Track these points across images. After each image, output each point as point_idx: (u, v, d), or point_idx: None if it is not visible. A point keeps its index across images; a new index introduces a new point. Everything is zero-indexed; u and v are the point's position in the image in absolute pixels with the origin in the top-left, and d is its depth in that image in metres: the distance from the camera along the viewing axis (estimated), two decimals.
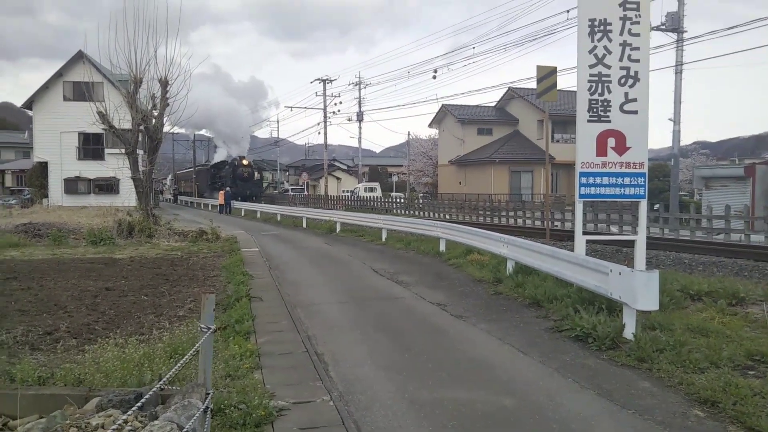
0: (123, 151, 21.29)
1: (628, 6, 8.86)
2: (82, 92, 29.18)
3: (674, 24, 27.58)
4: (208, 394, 3.32)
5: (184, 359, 3.25)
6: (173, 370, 3.11)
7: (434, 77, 43.48)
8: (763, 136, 71.90)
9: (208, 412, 3.39)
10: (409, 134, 64.00)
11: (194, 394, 3.21)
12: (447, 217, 30.22)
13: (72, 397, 4.16)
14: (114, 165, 27.21)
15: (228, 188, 45.82)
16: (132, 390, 3.91)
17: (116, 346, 6.05)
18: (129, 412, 2.61)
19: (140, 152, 23.22)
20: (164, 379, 2.97)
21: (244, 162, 51.63)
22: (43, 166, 39.61)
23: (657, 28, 26.92)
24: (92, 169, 38.57)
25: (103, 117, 20.54)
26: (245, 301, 9.16)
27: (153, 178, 24.56)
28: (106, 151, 37.54)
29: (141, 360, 5.66)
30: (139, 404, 2.69)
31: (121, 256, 15.11)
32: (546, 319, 8.28)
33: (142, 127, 21.04)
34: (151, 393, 2.89)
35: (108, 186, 38.85)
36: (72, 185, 39.04)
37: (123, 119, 21.12)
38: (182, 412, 2.95)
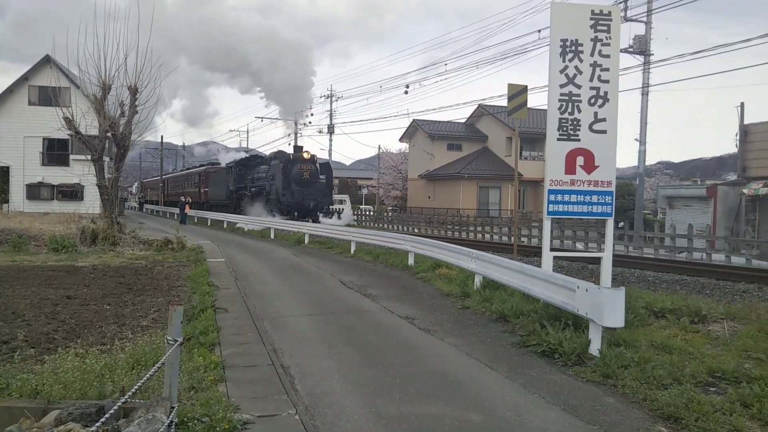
0: (89, 157, 20.91)
1: (599, 28, 9.03)
2: (48, 97, 28.65)
3: (642, 47, 28.22)
4: (173, 407, 3.25)
5: (150, 372, 3.18)
6: (139, 383, 3.03)
7: (406, 92, 43.61)
8: (724, 157, 73.71)
9: (173, 427, 3.31)
10: (379, 148, 64.16)
11: (159, 407, 3.12)
12: (416, 230, 30.32)
13: (29, 410, 4.03)
14: (79, 171, 26.70)
15: (189, 198, 41.77)
16: (93, 402, 3.79)
17: (76, 357, 5.90)
18: (93, 428, 2.53)
19: (106, 159, 22.85)
20: (130, 393, 2.89)
21: (305, 155, 32.40)
22: (4, 171, 38.74)
23: (625, 51, 27.50)
24: (56, 175, 37.80)
25: (70, 123, 20.17)
26: (210, 312, 9.02)
27: (119, 185, 24.17)
28: (71, 157, 36.86)
29: (102, 371, 5.52)
30: (103, 419, 2.61)
31: (83, 264, 14.80)
32: (513, 334, 8.31)
33: (109, 134, 20.72)
34: (116, 407, 2.81)
35: (72, 192, 38.10)
36: (34, 191, 38.24)
37: (90, 125, 20.77)
38: (146, 426, 2.87)
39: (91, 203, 31.26)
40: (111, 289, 11.24)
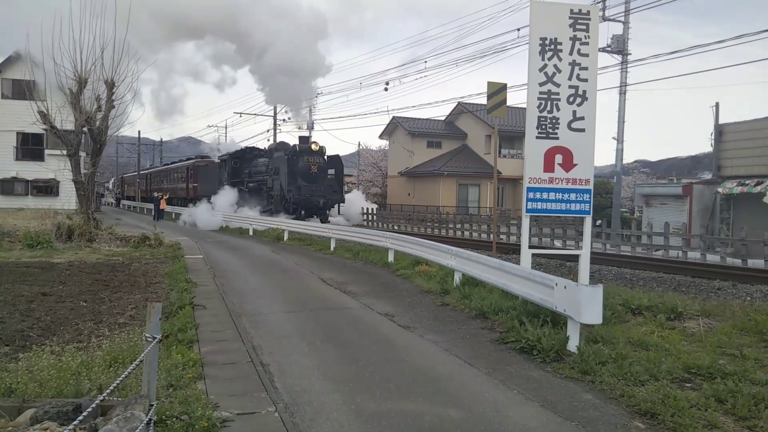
0: (65, 152, 20.63)
1: (578, 27, 9.09)
2: (22, 90, 28.17)
3: (619, 46, 28.45)
4: (152, 405, 3.21)
5: (128, 369, 3.15)
6: (117, 380, 3.00)
7: (386, 89, 42.91)
8: (699, 156, 74.59)
9: (151, 425, 3.28)
10: (359, 144, 64.02)
11: (137, 405, 3.09)
12: (396, 227, 30.32)
13: (4, 409, 3.96)
14: (54, 166, 26.36)
15: (165, 195, 39.99)
16: (70, 401, 3.74)
17: (52, 354, 5.82)
18: (70, 426, 2.49)
19: (83, 154, 22.57)
20: (108, 391, 2.85)
21: (313, 146, 29.08)
22: None
23: (603, 50, 27.72)
24: (31, 170, 37.16)
25: (45, 117, 19.88)
26: (188, 309, 8.96)
27: (95, 181, 23.87)
28: (47, 152, 36.26)
29: (78, 369, 5.46)
30: (80, 417, 2.57)
31: (59, 261, 14.61)
32: (492, 330, 8.35)
33: (85, 129, 20.45)
34: (94, 405, 2.78)
35: (47, 188, 37.51)
36: (8, 186, 37.59)
37: (66, 120, 20.48)
38: (124, 424, 2.84)
39: (67, 199, 30.88)
40: (87, 285, 11.11)
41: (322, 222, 26.53)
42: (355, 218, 32.87)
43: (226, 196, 33.07)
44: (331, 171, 29.89)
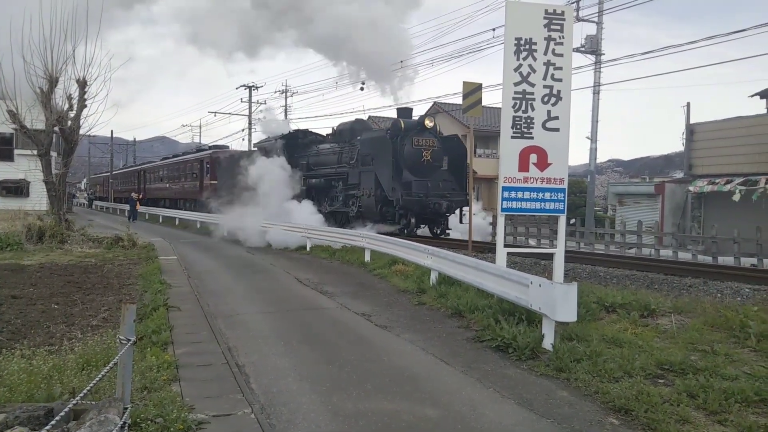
0: (35, 152, 20.28)
1: (552, 27, 9.16)
2: None
3: (593, 46, 28.78)
4: (126, 408, 3.18)
5: (102, 372, 3.10)
6: (91, 384, 2.96)
7: (362, 89, 42.37)
8: (671, 156, 75.63)
9: (126, 428, 3.24)
10: None
11: (111, 408, 3.05)
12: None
13: None
14: (24, 167, 25.89)
15: (143, 195, 38.96)
16: (42, 405, 3.68)
17: (22, 358, 5.72)
18: (43, 430, 2.44)
19: (54, 154, 22.20)
20: (81, 394, 2.81)
21: (428, 122, 19.87)
22: None
23: (577, 50, 27.99)
24: None
25: (14, 116, 19.51)
26: (162, 310, 8.86)
27: (67, 181, 23.50)
28: (16, 152, 35.62)
29: (50, 372, 5.37)
30: (53, 422, 2.53)
31: (29, 263, 14.36)
32: (468, 329, 8.39)
33: (56, 129, 20.12)
34: (67, 409, 2.73)
35: (17, 189, 36.79)
36: None
37: (36, 119, 20.12)
38: (98, 427, 2.80)
39: (38, 200, 30.25)
40: (59, 288, 10.95)
41: (435, 235, 19.51)
42: (478, 230, 20.81)
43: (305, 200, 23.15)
44: (446, 160, 20.04)
